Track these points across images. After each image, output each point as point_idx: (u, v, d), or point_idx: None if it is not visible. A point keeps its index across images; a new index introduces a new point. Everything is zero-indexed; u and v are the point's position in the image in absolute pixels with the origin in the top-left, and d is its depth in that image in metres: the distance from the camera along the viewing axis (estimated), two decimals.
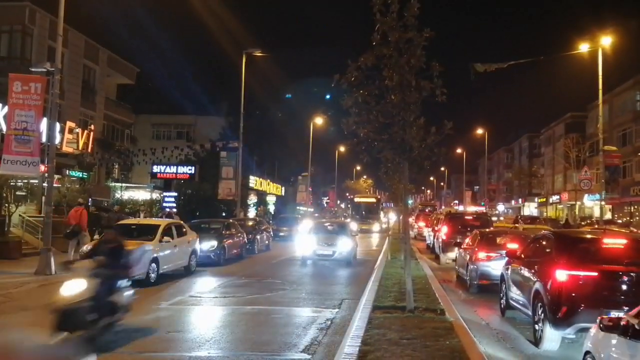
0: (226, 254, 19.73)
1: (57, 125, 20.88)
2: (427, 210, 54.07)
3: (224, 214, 33.13)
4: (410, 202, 36.10)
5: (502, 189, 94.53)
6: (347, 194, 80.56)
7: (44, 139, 17.92)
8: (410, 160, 10.01)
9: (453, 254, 18.57)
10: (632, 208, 47.97)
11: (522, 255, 10.60)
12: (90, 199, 26.81)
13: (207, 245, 18.81)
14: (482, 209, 69.86)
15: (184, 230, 17.36)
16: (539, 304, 8.68)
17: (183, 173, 33.84)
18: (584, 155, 52.85)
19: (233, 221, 23.80)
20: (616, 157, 35.57)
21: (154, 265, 14.35)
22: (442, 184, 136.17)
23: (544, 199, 70.58)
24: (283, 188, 54.83)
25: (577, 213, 55.53)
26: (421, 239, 34.38)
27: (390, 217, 42.19)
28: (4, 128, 18.87)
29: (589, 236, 10.32)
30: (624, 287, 8.08)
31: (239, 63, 33.05)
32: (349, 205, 56.94)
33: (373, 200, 53.61)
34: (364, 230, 40.95)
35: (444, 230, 21.88)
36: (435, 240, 25.16)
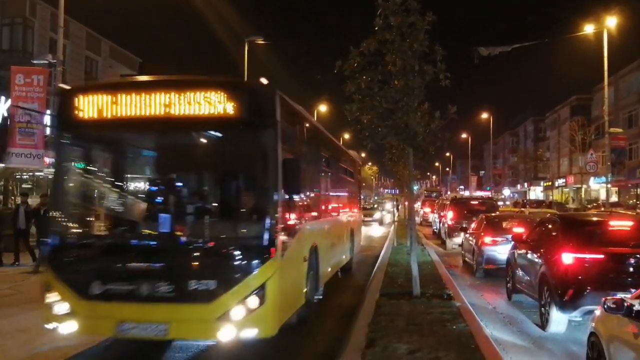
0: None
1: None
2: (432, 196, 54.11)
3: None
4: (415, 188, 30.24)
5: (508, 174, 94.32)
6: None
7: (48, 132, 17.95)
8: (414, 146, 9.95)
9: (459, 239, 18.60)
10: (639, 190, 47.75)
11: (528, 239, 10.58)
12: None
13: None
14: (487, 193, 69.70)
15: None
16: (545, 287, 8.68)
17: None
18: (590, 138, 52.61)
19: None
20: (622, 139, 35.41)
21: None
22: (447, 169, 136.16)
23: (550, 183, 70.40)
24: None
25: (583, 196, 55.36)
26: (427, 225, 34.42)
27: (393, 209, 29.95)
28: (8, 121, 18.88)
29: (594, 219, 10.27)
30: (630, 269, 8.05)
31: (241, 51, 32.89)
32: None
33: None
34: None
35: (449, 216, 21.88)
36: (441, 225, 25.17)
